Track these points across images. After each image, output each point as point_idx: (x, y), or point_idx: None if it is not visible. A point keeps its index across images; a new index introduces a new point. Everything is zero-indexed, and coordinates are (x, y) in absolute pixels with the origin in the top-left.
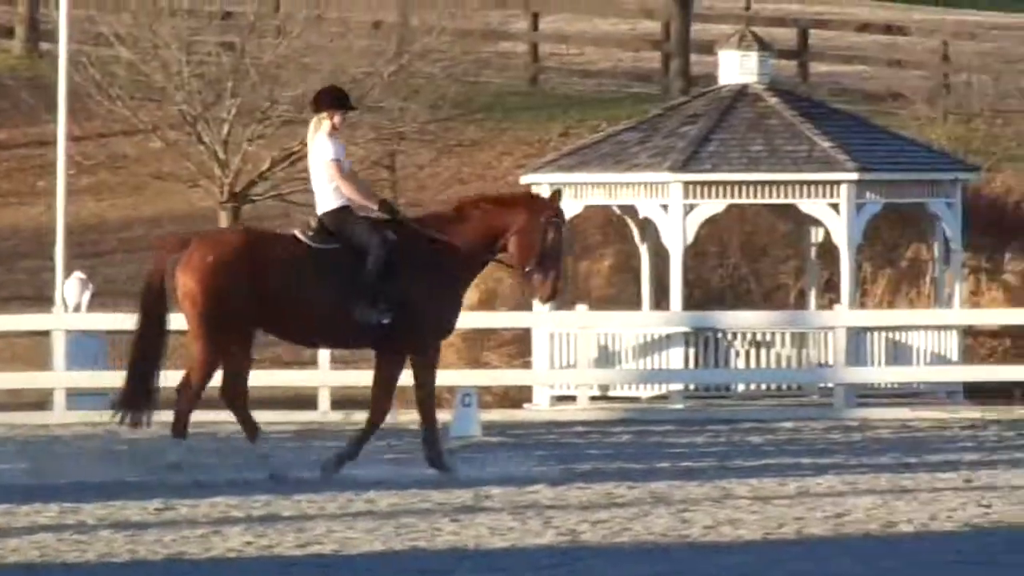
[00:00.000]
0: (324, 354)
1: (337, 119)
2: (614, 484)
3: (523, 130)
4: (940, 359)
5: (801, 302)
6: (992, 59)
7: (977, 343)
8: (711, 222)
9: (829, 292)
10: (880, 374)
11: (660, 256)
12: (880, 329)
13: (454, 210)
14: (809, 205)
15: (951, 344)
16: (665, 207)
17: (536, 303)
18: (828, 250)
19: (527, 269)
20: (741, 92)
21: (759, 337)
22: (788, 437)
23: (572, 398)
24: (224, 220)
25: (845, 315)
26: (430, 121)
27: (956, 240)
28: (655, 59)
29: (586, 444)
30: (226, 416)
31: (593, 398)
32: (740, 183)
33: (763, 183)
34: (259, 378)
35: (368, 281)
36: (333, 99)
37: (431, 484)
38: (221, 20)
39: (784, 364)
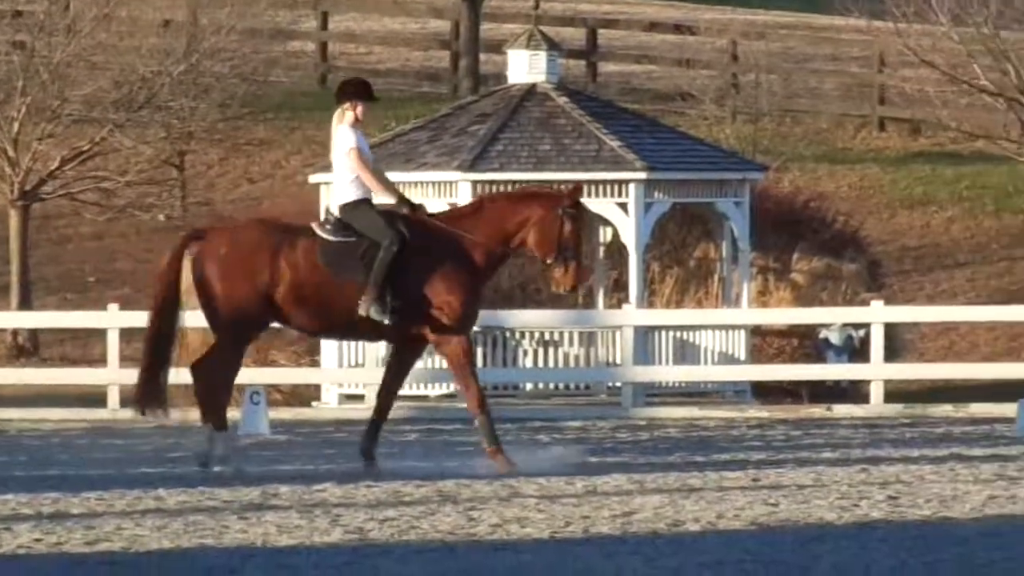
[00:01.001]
0: (113, 352)
1: (360, 110)
2: (402, 482)
3: (312, 129)
4: (728, 358)
5: (589, 301)
6: (781, 59)
7: (765, 343)
8: None
9: (617, 291)
10: (668, 373)
11: None
12: (668, 328)
13: (473, 205)
14: (597, 204)
15: (739, 343)
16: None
17: None
18: (616, 249)
19: (548, 262)
20: (530, 91)
21: (547, 336)
22: (576, 436)
23: (361, 397)
24: (14, 219)
25: (633, 314)
26: (219, 120)
27: (744, 240)
28: (444, 58)
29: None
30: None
31: None
32: (528, 182)
33: (551, 182)
34: (48, 376)
35: (376, 278)
36: (356, 90)
37: (219, 482)
38: (11, 19)
39: (572, 363)
